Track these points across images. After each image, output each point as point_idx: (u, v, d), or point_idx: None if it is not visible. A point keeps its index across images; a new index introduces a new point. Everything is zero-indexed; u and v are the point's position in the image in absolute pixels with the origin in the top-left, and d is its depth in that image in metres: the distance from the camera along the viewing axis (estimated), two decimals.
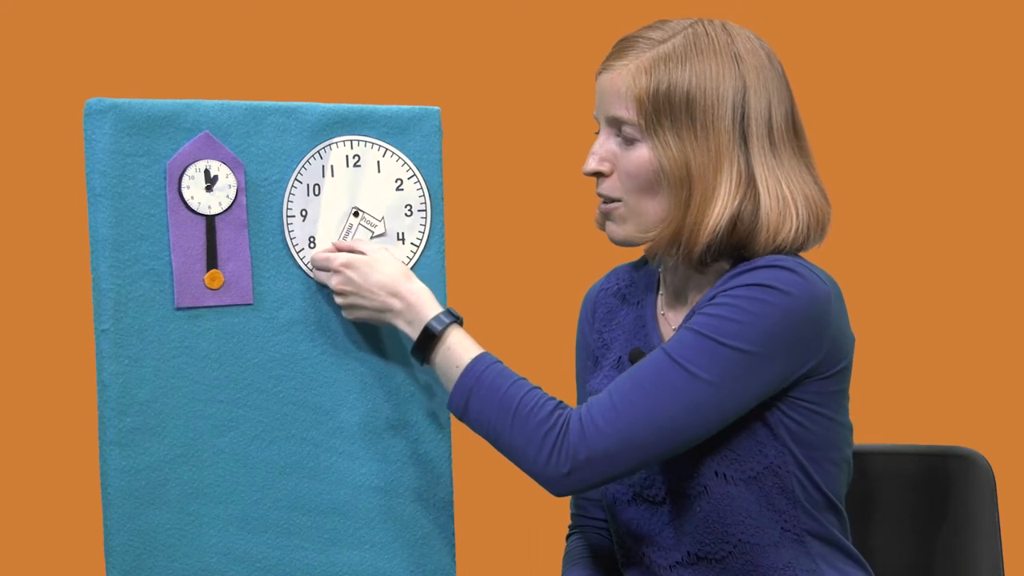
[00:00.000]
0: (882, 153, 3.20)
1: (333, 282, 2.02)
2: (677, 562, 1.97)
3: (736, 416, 1.87)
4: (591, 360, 2.14)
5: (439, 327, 1.96)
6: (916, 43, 3.19)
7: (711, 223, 1.90)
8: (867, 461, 2.30)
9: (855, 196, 3.10)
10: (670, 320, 2.04)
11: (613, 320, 2.12)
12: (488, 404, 1.90)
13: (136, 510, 1.94)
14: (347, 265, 2.01)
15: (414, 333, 1.97)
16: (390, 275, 1.99)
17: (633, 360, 2.02)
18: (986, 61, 3.19)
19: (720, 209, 1.90)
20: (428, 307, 1.97)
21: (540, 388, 1.92)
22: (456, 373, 1.93)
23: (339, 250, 2.04)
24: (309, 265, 2.04)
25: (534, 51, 3.19)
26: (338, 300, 2.03)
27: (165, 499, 1.96)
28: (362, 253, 2.02)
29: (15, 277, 2.98)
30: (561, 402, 1.89)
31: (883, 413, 3.06)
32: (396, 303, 1.98)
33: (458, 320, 1.97)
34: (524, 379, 1.92)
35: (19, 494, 2.99)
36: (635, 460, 1.85)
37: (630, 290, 2.12)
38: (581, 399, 2.18)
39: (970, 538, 2.21)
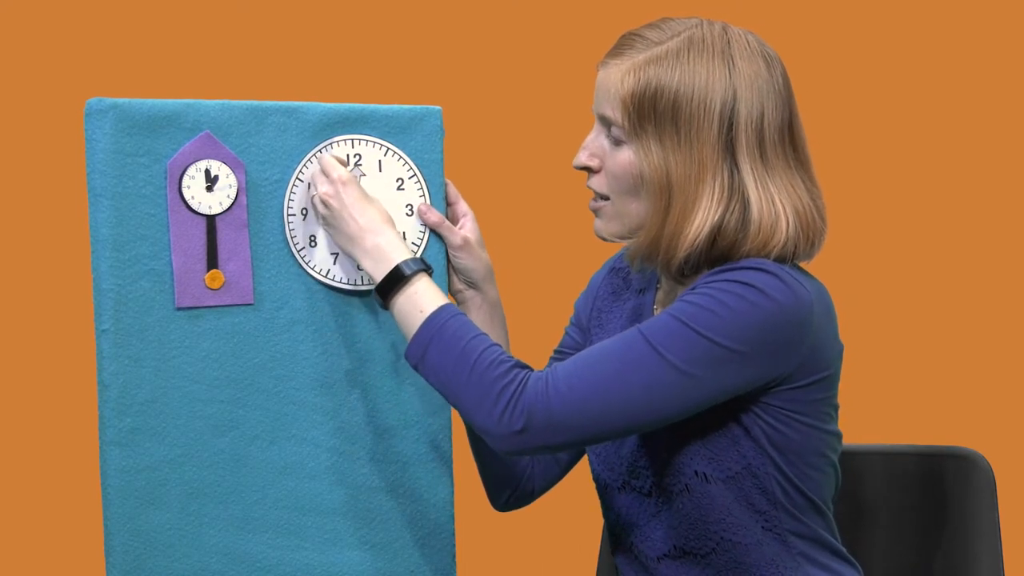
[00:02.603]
0: (885, 150, 3.20)
1: (321, 189, 1.99)
2: (664, 554, 1.97)
3: (697, 408, 1.85)
4: (577, 324, 2.16)
5: (408, 271, 1.93)
6: (922, 52, 3.20)
7: (690, 235, 1.88)
8: (867, 461, 2.30)
9: (855, 195, 3.10)
10: None
11: (616, 301, 2.11)
12: (447, 354, 1.88)
13: (136, 510, 1.94)
14: (343, 182, 1.98)
15: (378, 272, 1.94)
16: (373, 213, 1.97)
17: None
18: (985, 67, 3.19)
19: (700, 221, 1.88)
20: (400, 251, 1.95)
21: (502, 347, 1.91)
22: (419, 318, 1.91)
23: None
24: (310, 264, 2.04)
25: (535, 51, 3.19)
26: (319, 209, 2.00)
27: (165, 499, 1.95)
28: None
29: (15, 277, 2.98)
30: (521, 361, 1.88)
31: (883, 413, 3.07)
32: (368, 240, 1.96)
33: (428, 270, 1.96)
34: (487, 335, 1.90)
35: (19, 494, 2.99)
36: (589, 431, 1.83)
37: (636, 276, 2.10)
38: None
39: (970, 538, 2.21)
